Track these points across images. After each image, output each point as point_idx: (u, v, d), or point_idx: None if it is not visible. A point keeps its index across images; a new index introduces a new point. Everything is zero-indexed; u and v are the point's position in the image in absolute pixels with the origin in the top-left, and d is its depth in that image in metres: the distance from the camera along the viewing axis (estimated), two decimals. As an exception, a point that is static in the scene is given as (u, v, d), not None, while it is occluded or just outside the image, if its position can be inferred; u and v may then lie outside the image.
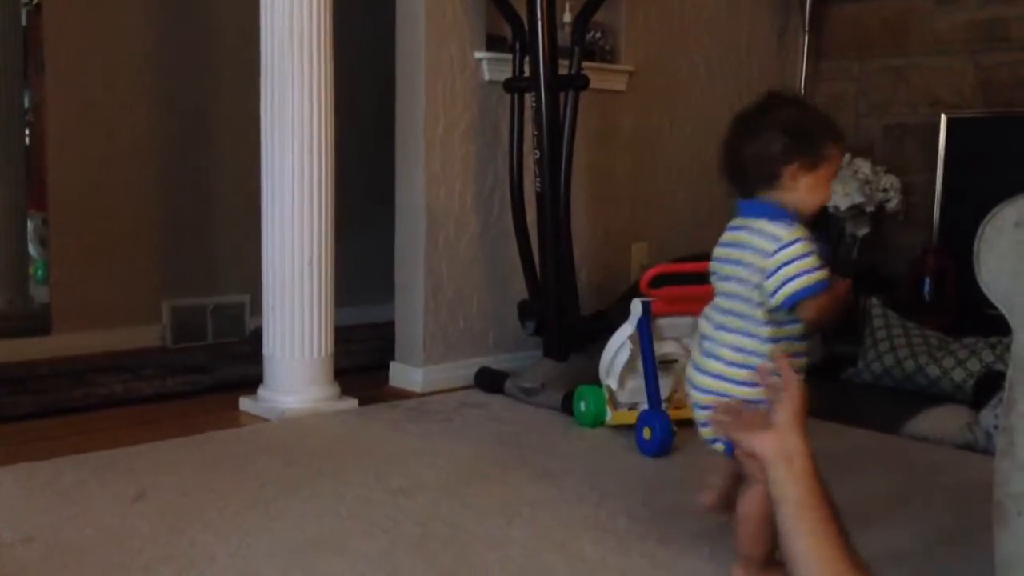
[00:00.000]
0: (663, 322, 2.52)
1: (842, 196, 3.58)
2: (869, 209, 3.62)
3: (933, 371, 3.03)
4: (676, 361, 2.60)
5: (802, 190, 1.57)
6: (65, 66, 3.43)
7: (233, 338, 3.82)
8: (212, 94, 3.74)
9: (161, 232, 3.68)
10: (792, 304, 1.52)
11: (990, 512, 1.95)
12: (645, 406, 2.51)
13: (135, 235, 3.62)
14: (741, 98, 3.89)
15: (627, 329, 2.49)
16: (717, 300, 1.65)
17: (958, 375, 2.98)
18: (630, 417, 2.52)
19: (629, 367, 2.55)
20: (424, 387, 3.00)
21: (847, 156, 3.67)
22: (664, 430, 2.33)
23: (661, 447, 2.32)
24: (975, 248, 1.22)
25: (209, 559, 1.70)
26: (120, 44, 3.54)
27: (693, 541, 1.81)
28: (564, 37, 2.98)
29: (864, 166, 3.62)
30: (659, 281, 2.49)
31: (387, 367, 3.16)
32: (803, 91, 4.01)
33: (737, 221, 1.63)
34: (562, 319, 2.87)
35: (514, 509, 1.96)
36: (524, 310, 2.99)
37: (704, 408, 1.61)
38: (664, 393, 2.52)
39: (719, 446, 1.62)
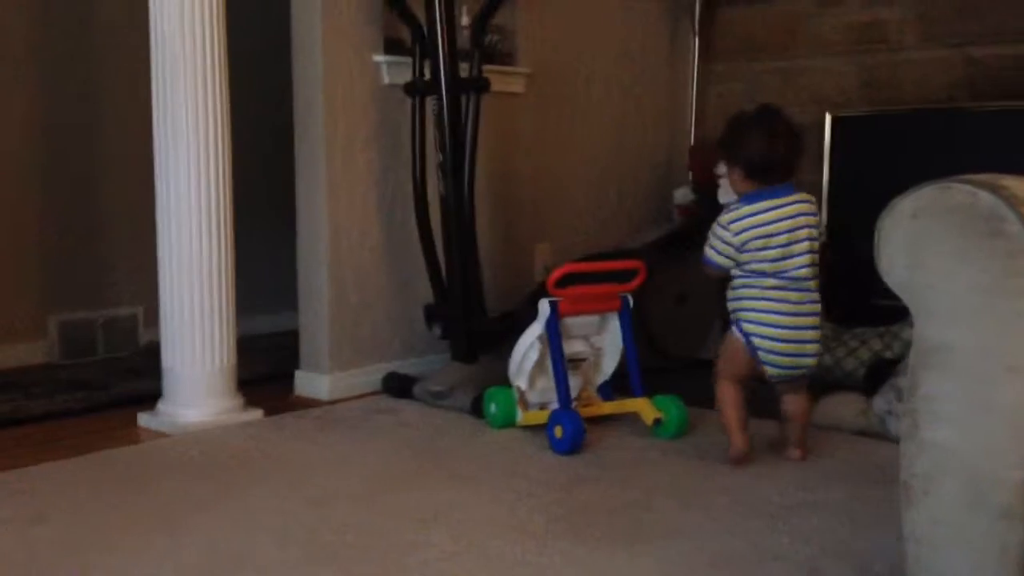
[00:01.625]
0: (570, 321, 2.55)
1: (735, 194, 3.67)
2: (762, 206, 3.72)
3: (826, 360, 3.13)
4: (585, 360, 2.63)
5: None
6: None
7: (125, 352, 3.71)
8: (99, 97, 3.63)
9: (46, 243, 3.55)
10: None
11: (893, 492, 2.04)
12: (555, 405, 2.53)
13: (17, 246, 3.48)
14: (636, 99, 3.97)
15: (536, 329, 2.51)
16: (787, 268, 2.22)
17: (849, 364, 3.09)
18: (541, 417, 2.54)
19: (539, 367, 2.57)
20: (331, 395, 2.96)
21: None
22: (575, 428, 2.35)
23: (573, 445, 2.35)
24: (875, 239, 1.27)
25: (117, 580, 1.64)
26: (-2, 46, 3.40)
27: (609, 537, 1.83)
28: (463, 39, 2.98)
29: (756, 164, 3.72)
30: (565, 281, 2.51)
31: (291, 376, 3.11)
32: (694, 93, 4.12)
33: (777, 201, 2.22)
34: (470, 321, 2.87)
35: (431, 514, 1.95)
36: (430, 313, 2.98)
37: (814, 342, 2.27)
38: (573, 392, 2.54)
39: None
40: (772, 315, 2.23)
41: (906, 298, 1.24)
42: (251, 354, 3.21)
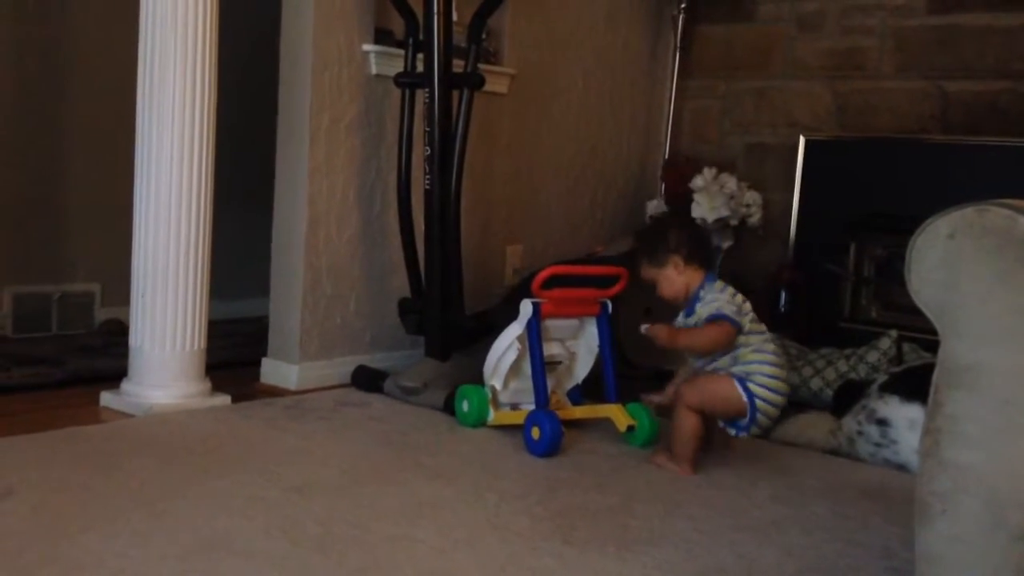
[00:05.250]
0: (550, 323, 2.53)
1: (709, 209, 3.71)
2: (733, 223, 3.76)
3: (792, 379, 3.16)
4: (560, 363, 2.62)
5: None
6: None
7: (80, 329, 3.61)
8: (66, 65, 3.52)
9: (2, 213, 3.42)
10: None
11: (871, 511, 2.06)
12: (526, 406, 2.52)
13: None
14: (613, 109, 3.98)
15: (515, 329, 2.48)
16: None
17: (815, 384, 3.13)
18: (513, 417, 2.52)
19: (513, 368, 2.55)
20: (299, 385, 2.91)
21: (714, 171, 3.81)
22: (554, 430, 2.33)
23: (551, 447, 2.33)
24: (907, 257, 1.27)
25: (97, 562, 1.58)
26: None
27: (597, 540, 1.82)
28: (456, 35, 2.95)
29: (730, 181, 3.76)
30: (549, 283, 2.50)
31: (254, 364, 3.05)
32: (671, 107, 4.14)
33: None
34: (446, 317, 2.84)
35: (414, 509, 1.92)
36: (406, 308, 2.94)
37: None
38: None
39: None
40: (775, 379, 2.27)
41: (935, 316, 1.25)
42: (214, 339, 3.14)
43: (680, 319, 2.38)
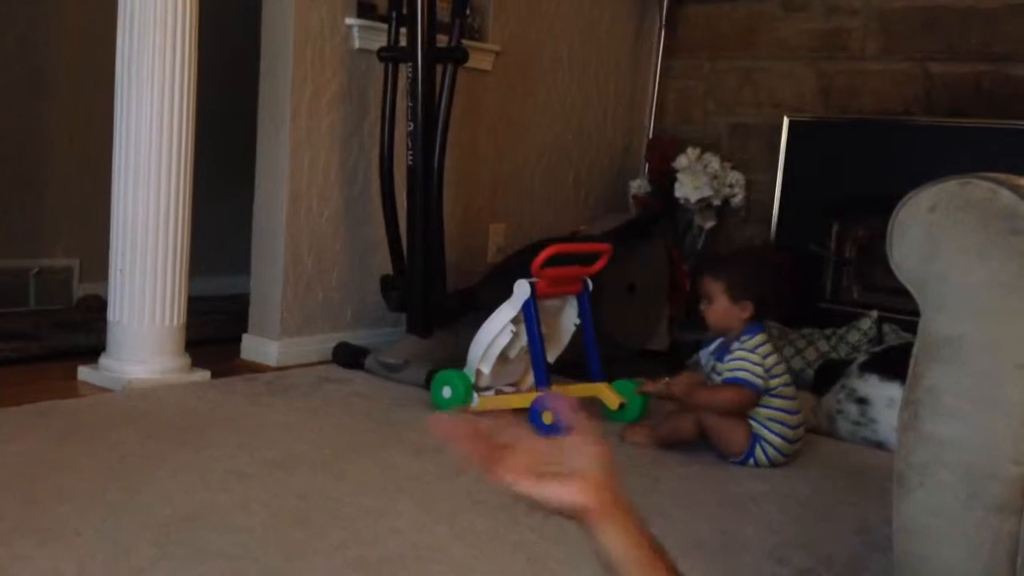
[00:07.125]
0: (540, 303, 2.50)
1: (692, 189, 3.70)
2: (716, 203, 3.76)
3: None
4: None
5: None
6: None
7: (58, 305, 3.57)
8: (45, 40, 3.47)
9: (-19, 187, 3.39)
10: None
11: (848, 487, 2.08)
12: (507, 391, 2.51)
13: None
14: (598, 87, 3.97)
15: (509, 311, 2.43)
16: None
17: (796, 363, 3.14)
18: (498, 402, 2.47)
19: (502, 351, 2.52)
20: (279, 361, 2.90)
21: (698, 151, 3.80)
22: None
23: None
24: (888, 230, 1.27)
25: (74, 532, 1.57)
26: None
27: (578, 515, 1.81)
28: (440, 10, 2.92)
29: (713, 161, 3.75)
30: (545, 263, 2.46)
31: (234, 341, 3.03)
32: (656, 86, 4.13)
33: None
34: (429, 295, 2.83)
35: (395, 483, 1.92)
36: (388, 285, 2.93)
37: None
38: (517, 377, 2.52)
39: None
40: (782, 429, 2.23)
41: (916, 289, 1.24)
42: (195, 316, 3.12)
43: (705, 356, 2.31)
